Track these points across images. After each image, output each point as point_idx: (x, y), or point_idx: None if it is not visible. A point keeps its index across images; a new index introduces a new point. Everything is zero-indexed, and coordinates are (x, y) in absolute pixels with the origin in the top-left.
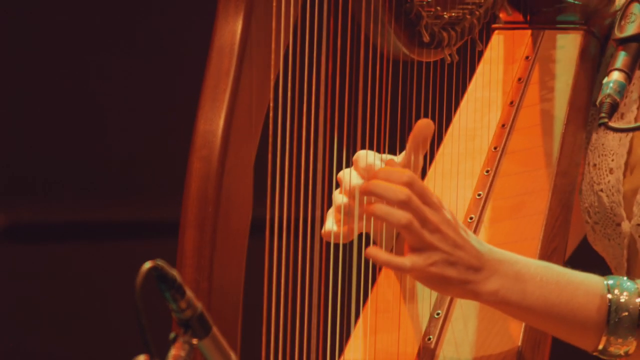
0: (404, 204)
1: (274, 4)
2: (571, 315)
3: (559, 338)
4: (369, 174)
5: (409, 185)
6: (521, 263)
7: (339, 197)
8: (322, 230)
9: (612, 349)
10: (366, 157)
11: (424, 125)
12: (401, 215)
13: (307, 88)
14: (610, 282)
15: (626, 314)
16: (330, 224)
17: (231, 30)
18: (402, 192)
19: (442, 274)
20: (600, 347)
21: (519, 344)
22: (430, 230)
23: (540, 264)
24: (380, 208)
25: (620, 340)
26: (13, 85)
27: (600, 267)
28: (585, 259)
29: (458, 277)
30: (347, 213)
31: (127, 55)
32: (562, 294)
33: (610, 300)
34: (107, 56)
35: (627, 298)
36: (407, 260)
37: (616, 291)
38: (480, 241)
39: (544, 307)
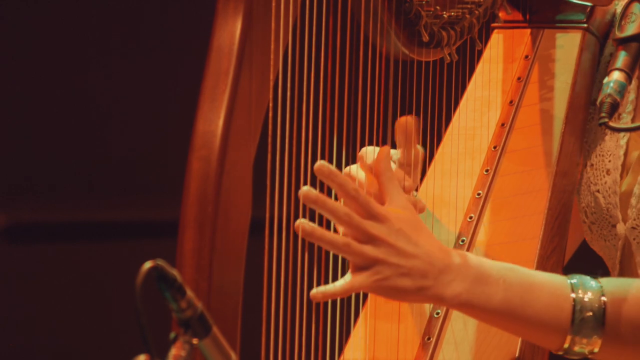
0: (344, 224)
1: (273, 4)
2: (535, 316)
3: (525, 339)
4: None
5: (354, 199)
6: (485, 266)
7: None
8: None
9: (576, 349)
10: (370, 153)
11: (405, 122)
12: (337, 239)
13: (306, 88)
14: (574, 281)
15: (590, 313)
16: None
17: (230, 30)
18: (342, 210)
19: (395, 286)
20: (565, 346)
21: (519, 343)
22: (375, 244)
23: (505, 266)
24: (312, 235)
25: (585, 340)
26: (13, 85)
27: (599, 267)
28: (585, 259)
29: (414, 286)
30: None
31: (126, 55)
32: (525, 296)
33: (574, 300)
34: (106, 57)
35: (591, 297)
36: (354, 280)
37: (580, 291)
38: (441, 245)
39: (507, 309)
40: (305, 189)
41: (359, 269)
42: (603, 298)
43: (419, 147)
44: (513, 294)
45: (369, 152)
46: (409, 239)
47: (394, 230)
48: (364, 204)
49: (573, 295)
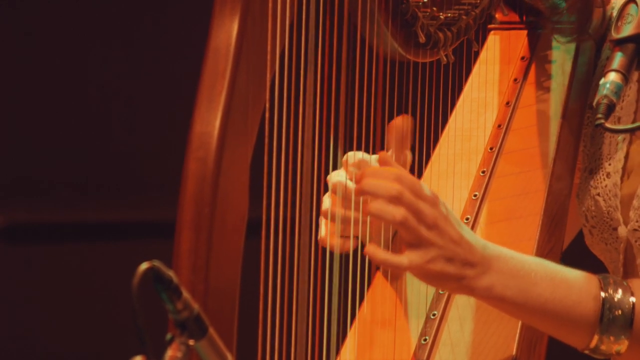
0: (396, 200)
1: (270, 5)
2: (564, 312)
3: (551, 335)
4: (357, 174)
5: (399, 180)
6: (516, 259)
7: (326, 202)
8: (319, 237)
9: (603, 348)
10: (355, 157)
11: (400, 123)
12: (396, 212)
13: (303, 89)
14: (604, 280)
15: (619, 312)
16: (324, 233)
17: (227, 31)
18: (394, 188)
19: (440, 270)
20: (592, 345)
21: (515, 344)
22: (427, 225)
23: (535, 260)
24: (375, 206)
25: (612, 339)
26: (11, 85)
27: (597, 269)
28: (584, 261)
29: (455, 273)
30: (341, 221)
31: (124, 56)
32: (556, 291)
33: (604, 298)
34: (104, 58)
35: (621, 297)
36: (405, 258)
37: (610, 289)
38: (475, 236)
39: (537, 303)
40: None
41: (410, 246)
42: (632, 298)
43: (408, 153)
44: (544, 289)
45: (351, 157)
46: (453, 226)
47: (443, 214)
48: (411, 185)
49: (603, 293)
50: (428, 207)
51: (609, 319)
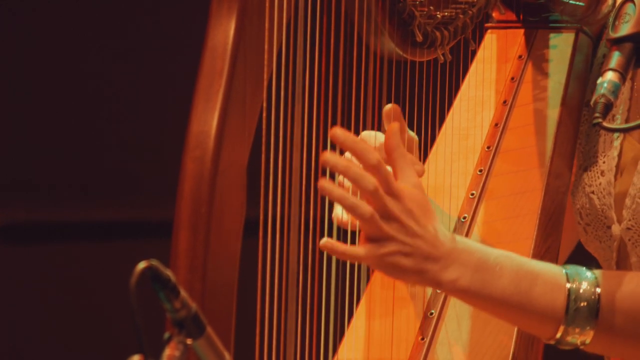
0: (370, 195)
1: (267, 4)
2: (529, 304)
3: (517, 327)
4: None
5: (377, 170)
6: (481, 252)
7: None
8: (333, 214)
9: (569, 339)
10: (375, 136)
11: (389, 109)
12: (365, 209)
13: (300, 88)
14: (570, 271)
15: (584, 304)
16: (340, 211)
17: (224, 30)
18: (371, 183)
19: (397, 263)
20: (558, 335)
21: (513, 343)
22: (388, 219)
23: (502, 253)
24: (347, 200)
25: (577, 330)
26: (10, 85)
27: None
28: (580, 259)
29: (414, 267)
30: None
31: (121, 56)
32: (520, 284)
33: (569, 289)
34: (101, 57)
35: (586, 287)
36: (361, 249)
37: (575, 281)
38: (443, 230)
39: (502, 296)
40: (330, 155)
41: (369, 239)
42: (597, 289)
43: (412, 134)
44: (509, 282)
45: (370, 137)
46: (418, 220)
47: (407, 209)
48: (385, 178)
49: (568, 285)
50: (393, 202)
51: (574, 310)
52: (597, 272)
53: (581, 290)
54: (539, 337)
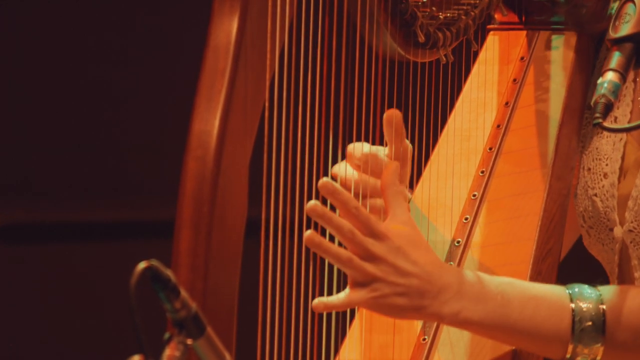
0: (346, 240)
1: (270, 4)
2: (535, 330)
3: (527, 351)
4: (364, 165)
5: (354, 216)
6: (482, 282)
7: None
8: (333, 169)
9: (579, 358)
10: (358, 148)
11: (390, 115)
12: (341, 253)
13: (302, 88)
14: (573, 291)
15: (590, 323)
16: (344, 168)
17: (226, 30)
18: (346, 227)
19: (392, 304)
20: (568, 356)
21: None
22: (374, 262)
23: (503, 280)
24: (319, 247)
25: (586, 350)
26: (10, 85)
27: (596, 269)
28: (583, 261)
29: (411, 305)
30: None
31: (122, 55)
32: (524, 311)
33: (573, 310)
34: (102, 57)
35: (589, 306)
36: (354, 295)
37: (579, 301)
38: (440, 262)
39: (506, 324)
40: (312, 203)
41: (357, 284)
42: (602, 306)
43: (408, 143)
44: (512, 310)
45: (357, 148)
46: (408, 258)
47: (394, 248)
48: (365, 222)
49: (572, 305)
50: (377, 243)
51: (580, 330)
52: (603, 288)
53: (584, 309)
54: (550, 358)
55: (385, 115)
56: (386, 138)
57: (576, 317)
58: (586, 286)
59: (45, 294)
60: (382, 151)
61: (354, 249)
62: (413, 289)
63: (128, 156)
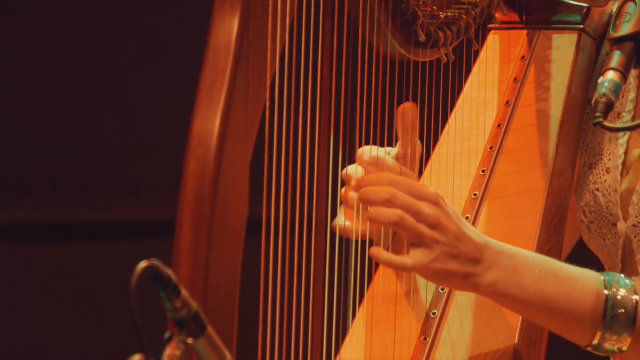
0: (389, 203)
1: (271, 3)
2: (568, 310)
3: (553, 332)
4: (375, 167)
5: (392, 183)
6: (519, 255)
7: (349, 195)
8: (333, 222)
9: (606, 345)
10: (370, 151)
11: (406, 109)
12: (390, 213)
13: (303, 88)
14: (608, 278)
15: (622, 310)
16: (343, 220)
17: (227, 29)
18: (386, 192)
19: (445, 268)
20: (595, 342)
21: (515, 343)
22: (430, 224)
23: (538, 257)
24: (371, 211)
25: (615, 337)
26: (10, 85)
27: (595, 266)
28: (582, 258)
29: (460, 271)
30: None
31: (123, 54)
32: (559, 288)
33: (607, 296)
34: (103, 56)
35: (624, 295)
36: (409, 258)
37: (613, 287)
38: (478, 233)
39: (540, 300)
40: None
41: (414, 246)
42: (635, 297)
43: (418, 142)
44: (547, 285)
45: (367, 151)
46: (457, 223)
47: (446, 212)
48: (408, 187)
49: (606, 291)
50: (429, 206)
51: (612, 316)
52: (636, 279)
53: (619, 297)
54: (576, 343)
55: (399, 109)
56: (398, 133)
57: (609, 303)
58: (621, 275)
59: (45, 293)
60: (392, 152)
61: (400, 212)
62: (464, 253)
63: (129, 156)
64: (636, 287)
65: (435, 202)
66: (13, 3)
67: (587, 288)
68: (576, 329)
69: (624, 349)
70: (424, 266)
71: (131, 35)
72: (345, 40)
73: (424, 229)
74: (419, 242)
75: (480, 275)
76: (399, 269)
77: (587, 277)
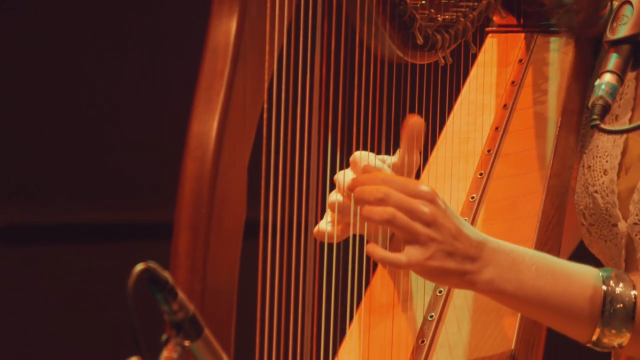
0: (382, 201)
1: (268, 5)
2: (566, 306)
3: (552, 328)
4: (348, 185)
5: (387, 183)
6: (517, 252)
7: (333, 197)
8: (315, 230)
9: (605, 341)
10: (364, 157)
11: (414, 122)
12: (382, 211)
13: (301, 89)
14: (606, 273)
15: (621, 305)
16: (324, 224)
17: (225, 31)
18: (379, 191)
19: (441, 266)
20: (594, 338)
21: (513, 345)
22: (424, 222)
23: (536, 253)
24: (364, 210)
25: (614, 332)
26: (10, 85)
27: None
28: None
29: (456, 268)
30: (341, 211)
31: (121, 56)
32: (557, 285)
33: (605, 291)
34: (100, 58)
35: (622, 290)
36: (403, 255)
37: (612, 283)
38: (475, 230)
39: (538, 297)
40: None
41: (409, 243)
42: (633, 292)
43: (418, 155)
44: (545, 282)
45: (363, 157)
46: (452, 221)
47: (441, 210)
48: (402, 186)
49: (604, 287)
50: (424, 203)
51: (610, 312)
52: (635, 275)
53: (617, 292)
54: (576, 339)
55: (406, 122)
56: (402, 145)
57: (607, 298)
58: (620, 271)
59: (43, 295)
60: (387, 160)
61: (403, 211)
62: (460, 251)
63: (127, 157)
64: (634, 282)
65: (431, 200)
66: (13, 3)
67: (584, 284)
68: (575, 325)
69: (624, 344)
70: (418, 263)
71: (129, 36)
72: (342, 42)
73: (418, 226)
74: (413, 239)
75: (477, 273)
76: (393, 265)
77: (584, 273)
